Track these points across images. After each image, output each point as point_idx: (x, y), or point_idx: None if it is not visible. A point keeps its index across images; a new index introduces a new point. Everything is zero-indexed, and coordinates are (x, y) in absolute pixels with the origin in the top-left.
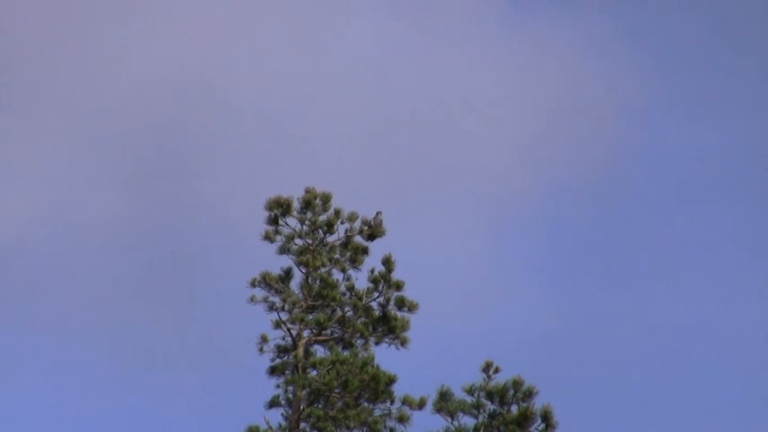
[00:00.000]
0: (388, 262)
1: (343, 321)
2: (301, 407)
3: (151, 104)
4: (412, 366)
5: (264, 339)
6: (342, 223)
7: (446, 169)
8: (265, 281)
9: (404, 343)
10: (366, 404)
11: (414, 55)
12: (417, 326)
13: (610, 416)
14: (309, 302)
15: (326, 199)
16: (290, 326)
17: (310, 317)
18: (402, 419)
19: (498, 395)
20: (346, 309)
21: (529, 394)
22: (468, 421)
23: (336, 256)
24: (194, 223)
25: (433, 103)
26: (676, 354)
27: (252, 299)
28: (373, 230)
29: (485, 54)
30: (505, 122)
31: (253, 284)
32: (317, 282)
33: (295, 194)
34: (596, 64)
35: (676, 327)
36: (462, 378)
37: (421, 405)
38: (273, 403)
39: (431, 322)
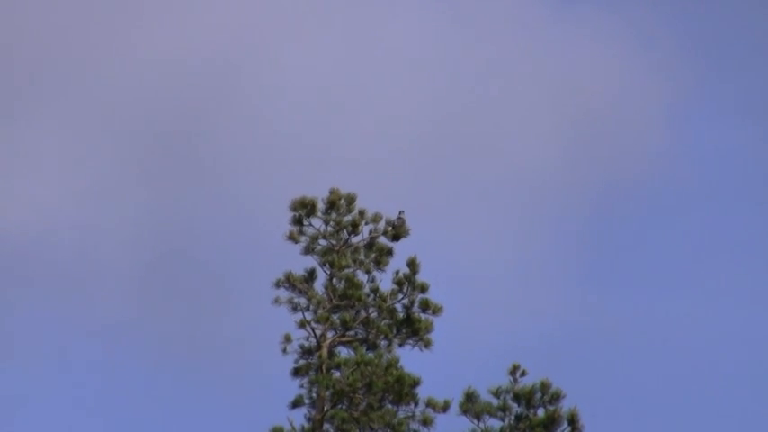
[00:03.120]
0: (412, 264)
1: (367, 323)
2: (325, 408)
3: (179, 98)
4: (434, 368)
5: (288, 339)
6: (366, 224)
7: (479, 168)
8: (289, 281)
9: (427, 345)
10: (390, 406)
11: (453, 49)
12: (441, 327)
13: (631, 418)
14: (334, 303)
15: (351, 200)
16: (314, 326)
17: (335, 317)
18: (426, 422)
19: (525, 398)
20: (370, 310)
21: (556, 397)
22: (494, 423)
23: (360, 257)
24: (218, 222)
25: (472, 100)
26: (702, 357)
27: (276, 300)
28: (397, 231)
29: (528, 47)
30: (546, 120)
31: (277, 285)
32: (342, 282)
33: (320, 195)
34: (645, 58)
35: (709, 330)
36: (485, 380)
37: (445, 408)
38: (297, 403)
39: (454, 324)
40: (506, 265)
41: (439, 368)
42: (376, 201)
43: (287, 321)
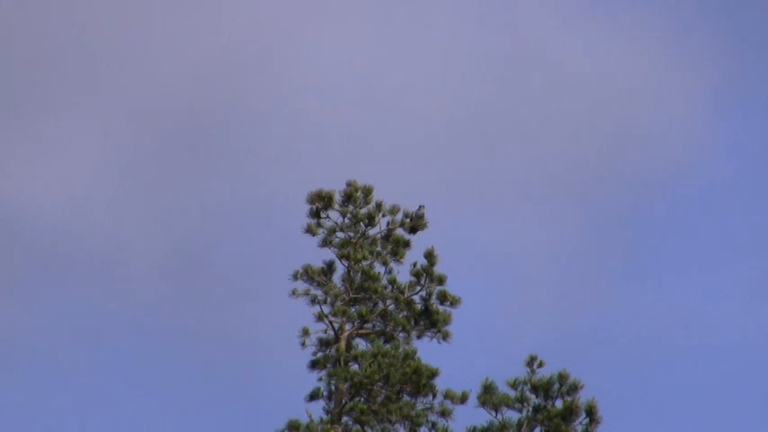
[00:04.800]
0: (430, 255)
1: (384, 315)
2: (343, 400)
3: (204, 91)
4: (452, 360)
5: (306, 332)
6: (383, 216)
7: (509, 160)
8: (307, 274)
9: (446, 337)
10: (408, 398)
11: (482, 38)
12: (459, 319)
13: (649, 410)
14: (351, 295)
15: (368, 192)
16: (332, 318)
17: (353, 310)
18: (444, 413)
19: (543, 389)
20: (388, 302)
21: (574, 388)
22: (512, 415)
23: (378, 249)
24: (235, 215)
25: (505, 88)
26: (727, 355)
27: (294, 292)
28: (415, 223)
29: (562, 36)
30: (580, 111)
31: (295, 277)
32: (359, 274)
33: (338, 188)
34: (686, 47)
35: (736, 327)
36: (503, 372)
37: (463, 399)
38: (314, 396)
39: (472, 315)
40: (525, 258)
41: (457, 360)
42: (398, 194)
43: (305, 314)
